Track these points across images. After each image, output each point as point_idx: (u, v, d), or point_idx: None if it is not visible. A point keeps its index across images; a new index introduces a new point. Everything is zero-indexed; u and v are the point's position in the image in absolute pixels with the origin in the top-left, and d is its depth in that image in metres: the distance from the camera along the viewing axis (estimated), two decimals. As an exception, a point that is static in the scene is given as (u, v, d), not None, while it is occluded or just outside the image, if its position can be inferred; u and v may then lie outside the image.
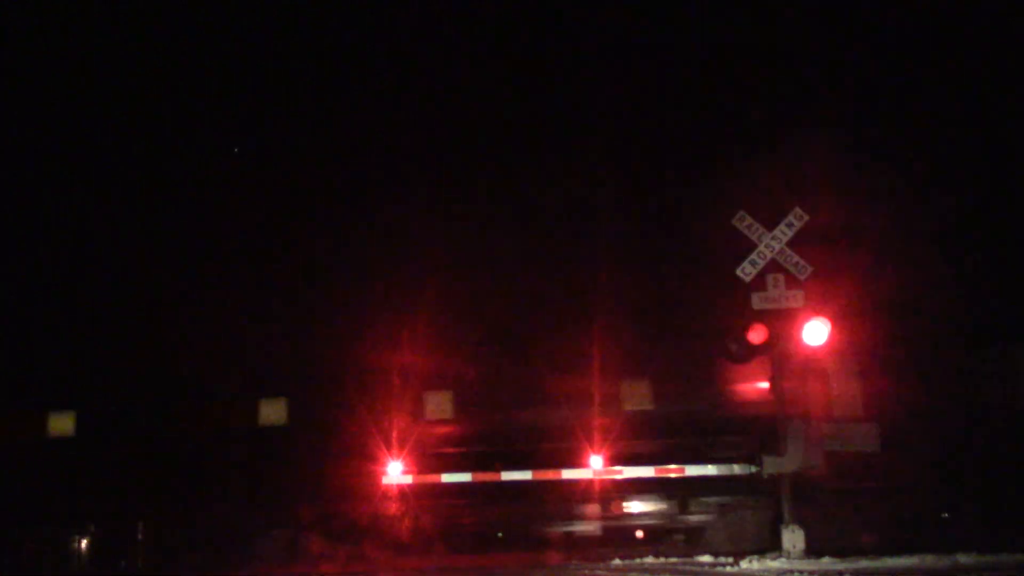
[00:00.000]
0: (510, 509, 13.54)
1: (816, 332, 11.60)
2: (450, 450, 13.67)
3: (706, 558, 11.88)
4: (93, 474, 13.99)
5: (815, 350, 11.67)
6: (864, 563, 10.47)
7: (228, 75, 15.94)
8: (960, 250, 13.76)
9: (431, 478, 13.21)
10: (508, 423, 13.68)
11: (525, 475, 12.98)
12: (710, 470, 12.62)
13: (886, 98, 14.68)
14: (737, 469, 12.44)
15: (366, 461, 13.25)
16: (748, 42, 15.25)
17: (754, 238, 12.12)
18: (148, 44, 15.75)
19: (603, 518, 13.54)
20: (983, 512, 12.18)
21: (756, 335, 11.85)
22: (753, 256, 12.07)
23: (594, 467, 12.91)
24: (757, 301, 12.02)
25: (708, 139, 15.05)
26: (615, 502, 13.53)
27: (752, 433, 12.62)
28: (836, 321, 11.65)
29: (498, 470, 13.09)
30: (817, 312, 11.69)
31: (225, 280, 15.04)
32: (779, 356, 11.99)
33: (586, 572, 10.98)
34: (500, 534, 14.40)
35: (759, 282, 12.06)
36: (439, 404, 13.76)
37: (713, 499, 13.20)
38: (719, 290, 12.63)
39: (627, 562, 11.89)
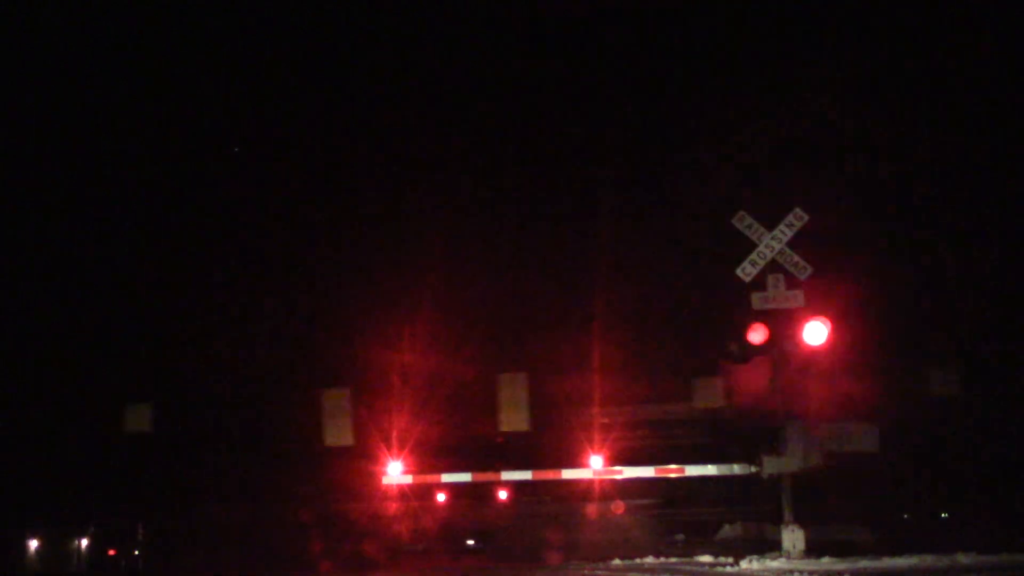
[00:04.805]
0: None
1: (816, 332, 11.59)
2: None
3: (706, 558, 11.87)
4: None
5: (815, 350, 11.66)
6: (864, 563, 10.44)
7: (252, 82, 15.98)
8: (960, 250, 13.77)
9: (431, 478, 13.20)
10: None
11: (525, 475, 12.98)
12: (710, 470, 12.61)
13: (886, 96, 14.67)
14: (737, 469, 12.43)
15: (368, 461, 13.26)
16: (748, 40, 15.25)
17: (754, 238, 12.11)
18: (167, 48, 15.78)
19: None
20: (983, 512, 12.20)
21: (756, 335, 11.84)
22: (753, 256, 12.05)
23: (594, 467, 12.92)
24: (757, 301, 12.01)
25: (709, 138, 15.05)
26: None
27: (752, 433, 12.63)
28: (836, 321, 11.63)
29: (498, 470, 13.10)
30: (817, 312, 11.68)
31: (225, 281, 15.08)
32: (779, 356, 11.98)
33: (586, 572, 10.98)
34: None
35: (759, 282, 12.05)
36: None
37: None
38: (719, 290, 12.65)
39: (627, 562, 11.89)
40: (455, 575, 12.03)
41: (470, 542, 14.88)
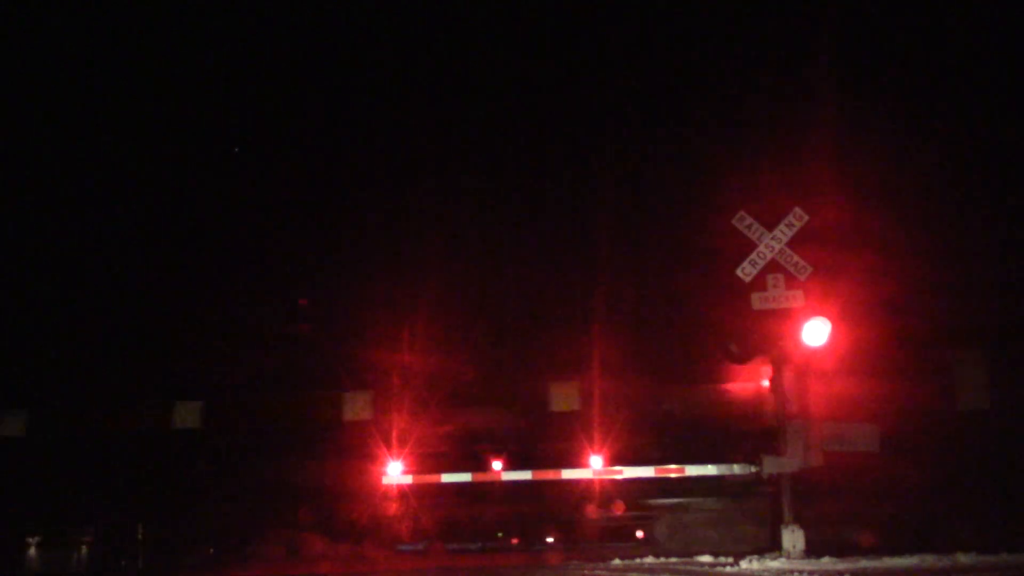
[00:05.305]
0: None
1: (816, 332, 11.58)
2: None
3: (706, 558, 11.87)
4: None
5: (815, 350, 11.66)
6: (864, 563, 10.44)
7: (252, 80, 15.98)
8: (960, 250, 13.76)
9: (431, 478, 13.21)
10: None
11: (525, 475, 12.99)
12: (710, 470, 12.61)
13: (886, 95, 14.66)
14: (737, 469, 12.43)
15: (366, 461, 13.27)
16: (748, 39, 15.23)
17: (754, 238, 12.10)
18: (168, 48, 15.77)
19: None
20: (983, 512, 12.19)
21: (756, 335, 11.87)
22: (753, 256, 12.05)
23: (594, 467, 12.91)
24: (757, 301, 12.01)
25: (709, 138, 15.04)
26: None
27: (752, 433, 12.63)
28: (836, 321, 11.63)
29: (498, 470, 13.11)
30: (817, 312, 11.67)
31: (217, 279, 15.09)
32: (779, 356, 11.98)
33: (586, 572, 10.98)
34: (500, 533, 14.44)
35: (759, 282, 12.05)
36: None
37: None
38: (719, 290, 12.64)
39: (627, 562, 11.88)
40: (455, 575, 12.03)
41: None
